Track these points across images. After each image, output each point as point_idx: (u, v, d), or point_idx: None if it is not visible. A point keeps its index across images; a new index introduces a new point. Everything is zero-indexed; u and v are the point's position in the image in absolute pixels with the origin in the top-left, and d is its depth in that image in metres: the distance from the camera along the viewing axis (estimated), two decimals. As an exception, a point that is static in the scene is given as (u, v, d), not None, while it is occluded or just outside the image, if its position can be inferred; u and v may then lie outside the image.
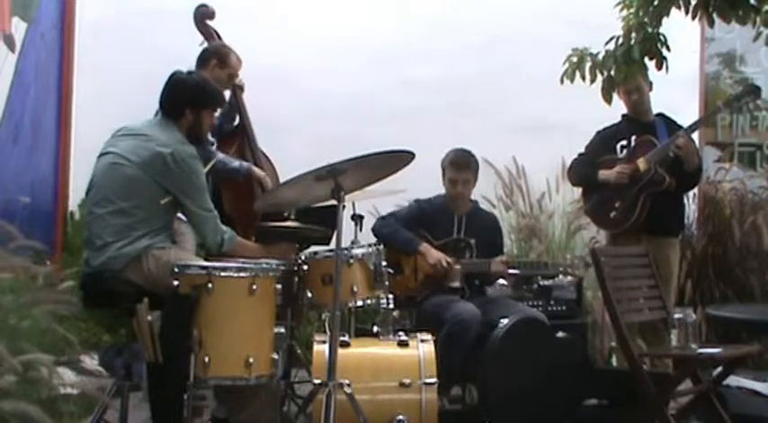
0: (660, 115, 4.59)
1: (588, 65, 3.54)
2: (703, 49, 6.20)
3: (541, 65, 4.27)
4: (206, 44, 4.50)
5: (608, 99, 3.64)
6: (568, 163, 4.83)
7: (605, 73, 3.54)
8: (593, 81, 3.50)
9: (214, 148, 4.27)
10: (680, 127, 4.52)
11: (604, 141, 4.61)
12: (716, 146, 6.20)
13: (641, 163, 4.38)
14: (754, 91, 4.58)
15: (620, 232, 4.48)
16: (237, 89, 4.55)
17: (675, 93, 4.52)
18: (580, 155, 4.68)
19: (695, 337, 3.67)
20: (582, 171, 4.64)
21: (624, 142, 4.55)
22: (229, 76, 4.39)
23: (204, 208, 3.31)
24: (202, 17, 4.59)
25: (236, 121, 4.59)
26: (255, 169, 4.37)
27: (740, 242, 5.67)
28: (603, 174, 4.48)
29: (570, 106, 5.02)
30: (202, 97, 3.41)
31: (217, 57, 4.36)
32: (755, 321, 3.81)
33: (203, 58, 4.36)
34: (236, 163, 4.32)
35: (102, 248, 3.19)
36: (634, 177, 4.39)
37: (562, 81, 3.53)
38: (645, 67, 3.58)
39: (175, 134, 3.32)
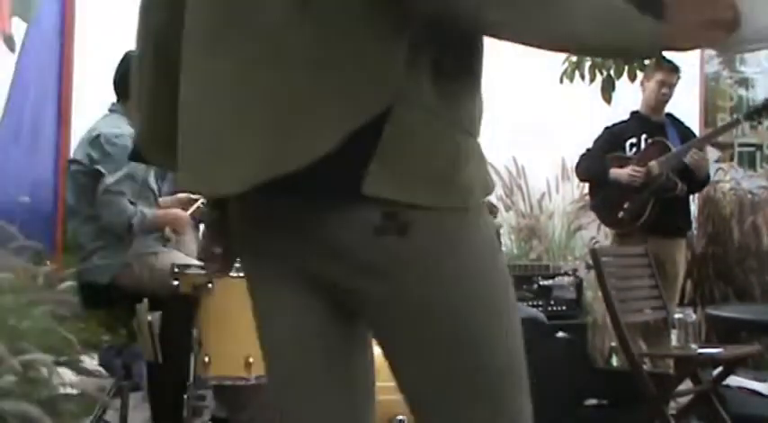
0: (668, 116, 4.59)
1: (588, 64, 3.54)
2: (703, 49, 6.20)
3: (541, 64, 4.27)
4: None
5: (608, 98, 3.64)
6: (568, 163, 4.83)
7: (605, 72, 3.54)
8: (592, 80, 3.51)
9: None
10: (688, 129, 4.53)
11: (613, 138, 4.59)
12: (716, 146, 6.19)
13: (654, 167, 4.36)
14: None
15: (626, 232, 4.48)
16: None
17: (675, 93, 4.52)
18: (588, 150, 4.67)
19: (695, 337, 3.67)
20: (591, 167, 4.62)
21: (634, 140, 4.53)
22: None
23: (113, 190, 3.20)
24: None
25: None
26: None
27: (740, 242, 5.67)
28: (614, 172, 4.46)
29: (570, 106, 5.02)
30: None
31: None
32: (755, 321, 3.80)
33: None
34: None
35: (88, 258, 3.21)
36: (646, 180, 4.38)
37: (561, 80, 3.53)
38: (644, 67, 3.58)
39: (111, 119, 3.32)
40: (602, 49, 1.24)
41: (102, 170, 3.16)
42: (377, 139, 1.12)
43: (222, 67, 1.15)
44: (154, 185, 3.43)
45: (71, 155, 3.35)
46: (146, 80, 1.34)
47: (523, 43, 1.13)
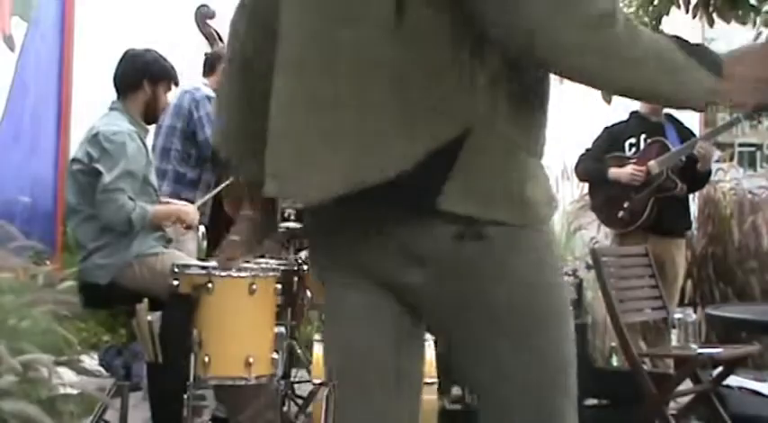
0: (668, 116, 4.59)
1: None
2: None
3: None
4: (210, 49, 4.51)
5: (607, 99, 3.64)
6: (568, 163, 4.83)
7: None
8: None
9: None
10: (687, 128, 4.52)
11: (613, 138, 4.60)
12: (716, 146, 6.19)
13: (653, 166, 4.36)
14: None
15: (626, 232, 4.48)
16: None
17: (675, 93, 4.51)
18: (587, 150, 4.67)
19: (695, 337, 3.67)
20: (590, 167, 4.62)
21: (633, 140, 4.53)
22: None
23: (111, 187, 3.15)
24: (203, 17, 4.59)
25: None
26: None
27: (740, 242, 5.67)
28: (614, 172, 4.46)
29: (570, 106, 5.02)
30: (160, 69, 3.40)
31: (224, 61, 4.36)
32: (755, 321, 3.79)
33: (211, 64, 4.36)
34: None
35: (87, 258, 3.20)
36: (645, 180, 4.38)
37: (562, 80, 3.53)
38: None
39: (110, 116, 3.32)
40: (663, 98, 1.33)
41: (101, 169, 3.15)
42: (454, 157, 1.23)
43: (313, 82, 1.25)
44: (155, 182, 3.42)
45: (73, 154, 3.34)
46: (230, 89, 1.44)
47: (592, 86, 1.25)
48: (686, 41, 1.25)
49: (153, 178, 3.39)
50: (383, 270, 1.33)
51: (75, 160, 3.28)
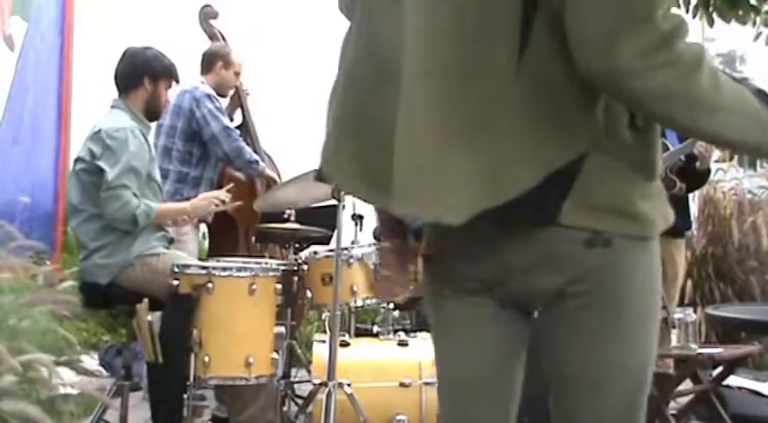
0: None
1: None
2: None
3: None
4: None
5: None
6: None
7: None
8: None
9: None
10: None
11: None
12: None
13: None
14: None
15: None
16: (242, 92, 4.55)
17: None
18: None
19: (695, 337, 3.67)
20: None
21: None
22: (236, 73, 4.41)
23: (114, 184, 3.14)
24: (206, 17, 4.59)
25: (239, 121, 4.60)
26: (268, 171, 4.36)
27: (740, 242, 5.67)
28: None
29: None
30: (160, 66, 3.40)
31: (221, 58, 4.37)
32: (755, 321, 3.80)
33: (209, 62, 4.37)
34: (255, 156, 4.30)
35: (88, 257, 3.19)
36: None
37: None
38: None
39: (112, 114, 3.32)
40: (749, 147, 1.41)
41: (103, 166, 3.14)
42: (574, 177, 1.33)
43: (444, 109, 1.33)
44: (159, 179, 3.42)
45: (74, 154, 3.34)
46: (339, 110, 1.49)
47: (679, 131, 1.28)
48: (759, 89, 1.35)
49: (156, 175, 3.38)
50: (496, 279, 1.42)
51: (78, 159, 3.27)
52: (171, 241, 3.36)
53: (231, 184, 3.72)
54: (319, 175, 1.54)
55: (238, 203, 3.65)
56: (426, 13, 1.35)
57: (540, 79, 1.31)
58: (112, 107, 3.37)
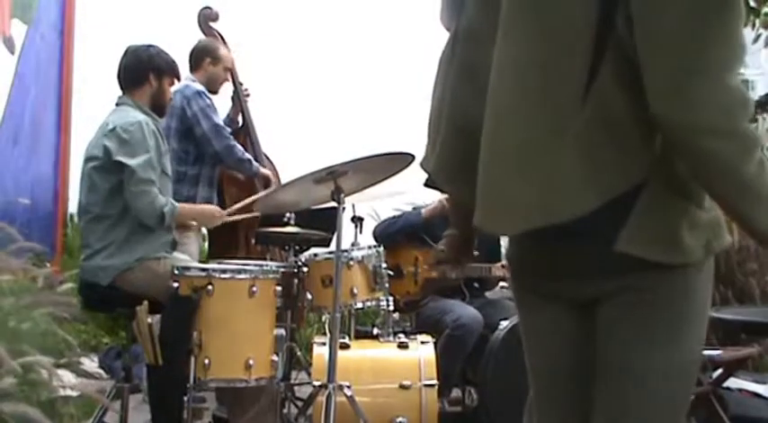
0: None
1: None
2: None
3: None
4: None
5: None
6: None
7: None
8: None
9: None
10: None
11: None
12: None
13: None
14: None
15: None
16: (241, 93, 4.54)
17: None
18: None
19: (695, 338, 3.66)
20: None
21: None
22: (225, 69, 4.38)
23: (144, 178, 3.15)
24: (206, 19, 4.58)
25: (240, 123, 4.59)
26: (263, 169, 4.36)
27: (740, 243, 5.66)
28: None
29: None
30: (164, 63, 3.40)
31: (207, 54, 4.34)
32: (755, 323, 3.79)
33: (197, 59, 4.34)
34: (247, 155, 4.30)
35: (92, 257, 3.19)
36: None
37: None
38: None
39: (121, 111, 3.30)
40: None
41: (123, 160, 3.13)
42: (630, 205, 1.42)
43: (520, 135, 1.47)
44: (170, 172, 3.42)
45: (85, 154, 3.30)
46: (442, 130, 1.64)
47: (713, 172, 1.37)
48: None
49: (168, 169, 3.38)
50: (565, 286, 1.56)
51: (89, 158, 3.25)
52: (175, 246, 3.35)
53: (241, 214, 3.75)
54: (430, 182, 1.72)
55: (254, 215, 3.70)
56: (520, 43, 1.48)
57: (604, 110, 1.40)
58: (119, 104, 3.35)
